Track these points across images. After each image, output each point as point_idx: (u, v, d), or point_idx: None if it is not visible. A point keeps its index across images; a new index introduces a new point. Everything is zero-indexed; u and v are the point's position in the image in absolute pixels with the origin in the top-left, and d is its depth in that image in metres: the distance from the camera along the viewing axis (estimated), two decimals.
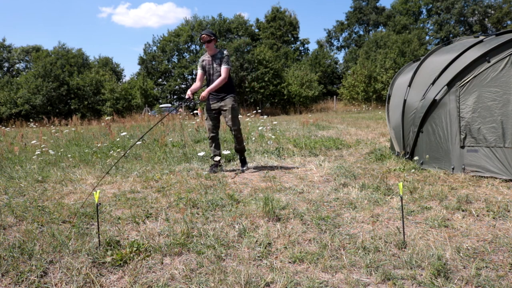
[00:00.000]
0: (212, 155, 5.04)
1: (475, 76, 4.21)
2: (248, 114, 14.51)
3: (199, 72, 4.91)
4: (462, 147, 4.32)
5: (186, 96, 4.88)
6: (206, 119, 4.96)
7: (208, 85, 4.88)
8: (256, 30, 43.15)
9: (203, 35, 4.77)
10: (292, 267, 2.23)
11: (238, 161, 5.27)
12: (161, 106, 31.42)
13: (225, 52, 4.82)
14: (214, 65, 4.80)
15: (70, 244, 2.57)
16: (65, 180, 4.67)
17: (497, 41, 4.22)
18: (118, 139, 8.34)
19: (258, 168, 5.19)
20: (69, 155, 6.48)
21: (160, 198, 3.75)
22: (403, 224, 2.55)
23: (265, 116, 14.08)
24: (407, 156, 5.08)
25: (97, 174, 4.99)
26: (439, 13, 43.12)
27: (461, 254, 2.30)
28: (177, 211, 3.30)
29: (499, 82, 4.07)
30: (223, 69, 4.76)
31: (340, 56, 73.74)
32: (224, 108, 4.86)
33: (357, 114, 21.30)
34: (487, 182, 3.94)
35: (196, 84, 4.93)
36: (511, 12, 38.04)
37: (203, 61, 4.89)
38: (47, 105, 33.37)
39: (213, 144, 5.01)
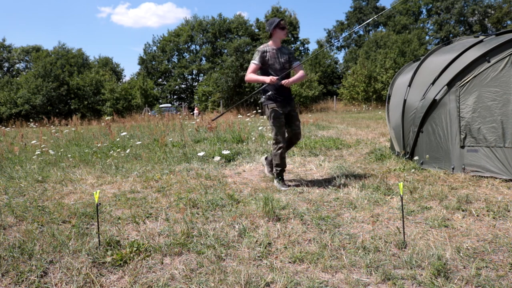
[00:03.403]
0: (281, 169, 4.16)
1: (475, 76, 4.21)
2: (248, 114, 14.51)
3: (255, 65, 4.10)
4: (462, 147, 4.32)
5: (269, 81, 3.91)
6: (277, 127, 4.04)
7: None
8: (256, 30, 43.15)
9: (283, 22, 4.11)
10: (292, 267, 2.23)
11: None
12: (161, 106, 31.45)
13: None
14: (281, 60, 4.10)
15: (70, 244, 2.57)
16: (65, 180, 4.67)
17: (497, 41, 4.22)
18: (118, 139, 8.34)
19: (258, 168, 5.19)
20: (69, 155, 6.49)
21: (160, 198, 3.75)
22: (403, 224, 2.55)
23: (265, 116, 14.08)
24: (407, 156, 5.07)
25: (97, 174, 4.99)
26: (439, 13, 43.15)
27: (461, 254, 2.30)
28: (177, 211, 3.30)
29: (499, 82, 4.07)
30: (299, 65, 4.19)
31: (340, 56, 73.81)
32: (293, 112, 4.16)
33: (357, 114, 21.30)
34: (487, 182, 3.94)
35: (255, 76, 4.12)
36: (511, 12, 38.04)
37: (265, 52, 4.10)
38: (47, 105, 33.40)
39: (284, 156, 4.17)
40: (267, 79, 3.92)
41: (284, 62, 4.12)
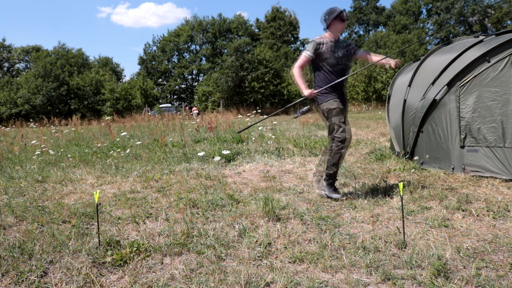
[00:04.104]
0: (336, 170, 3.64)
1: (475, 76, 4.21)
2: (248, 114, 14.51)
3: (307, 57, 3.58)
4: (462, 147, 4.33)
5: (307, 93, 3.50)
6: (342, 123, 3.50)
7: (328, 78, 3.57)
8: (256, 30, 43.17)
9: (345, 13, 3.60)
10: (292, 267, 2.23)
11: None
12: (161, 106, 31.45)
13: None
14: (338, 54, 3.58)
15: (70, 244, 2.57)
16: (65, 180, 4.67)
17: (497, 41, 4.22)
18: (118, 139, 8.34)
19: (258, 168, 5.19)
20: (69, 155, 6.48)
21: (160, 198, 3.75)
22: (403, 224, 2.55)
23: (265, 116, 14.06)
24: (407, 156, 5.07)
25: (97, 174, 4.99)
26: (439, 13, 43.14)
27: (461, 254, 2.30)
28: (177, 211, 3.30)
29: (499, 82, 4.07)
30: (364, 51, 3.78)
31: None
32: (346, 113, 3.68)
33: (357, 114, 21.29)
34: (487, 182, 3.94)
35: (300, 77, 3.57)
36: (511, 12, 38.04)
37: (321, 44, 3.56)
38: (47, 105, 33.40)
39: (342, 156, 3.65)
40: (306, 91, 3.49)
41: (341, 56, 3.60)
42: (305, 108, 3.72)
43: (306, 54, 3.60)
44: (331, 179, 3.61)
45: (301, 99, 3.70)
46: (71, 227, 2.92)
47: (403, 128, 5.18)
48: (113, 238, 2.63)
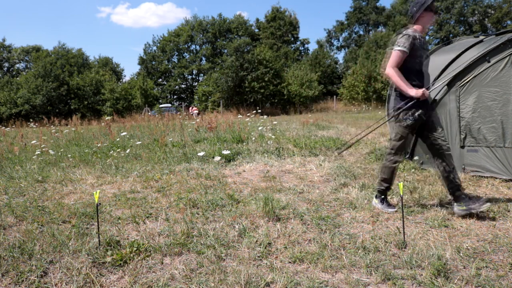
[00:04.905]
0: (388, 186, 3.27)
1: (475, 76, 4.21)
2: (248, 114, 14.51)
3: (404, 53, 3.04)
4: (462, 147, 4.33)
5: (419, 94, 2.98)
6: (406, 135, 3.15)
7: (418, 80, 3.11)
8: (256, 30, 43.17)
9: (435, 4, 3.16)
10: (292, 267, 2.23)
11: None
12: (161, 106, 31.44)
13: None
14: (428, 53, 3.20)
15: (70, 244, 2.57)
16: (65, 180, 4.67)
17: (497, 41, 4.22)
18: (118, 139, 8.33)
19: (258, 168, 5.19)
20: (69, 155, 6.48)
21: (160, 198, 3.75)
22: (403, 224, 2.55)
23: (265, 116, 14.09)
24: (407, 156, 5.07)
25: (97, 174, 4.99)
26: (439, 13, 43.12)
27: (461, 254, 2.30)
28: (177, 211, 3.30)
29: (499, 82, 4.07)
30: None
31: (340, 56, 73.72)
32: (433, 118, 3.19)
33: (357, 114, 21.29)
34: (487, 182, 3.95)
35: (401, 77, 3.03)
36: (511, 12, 38.04)
37: (416, 39, 3.05)
38: (47, 105, 33.39)
39: (396, 173, 3.33)
40: (417, 92, 2.96)
41: (428, 55, 3.19)
42: (419, 112, 3.06)
43: (401, 49, 3.03)
44: (383, 194, 3.29)
45: (412, 102, 3.04)
46: (71, 227, 2.92)
47: None
48: (113, 238, 2.63)
